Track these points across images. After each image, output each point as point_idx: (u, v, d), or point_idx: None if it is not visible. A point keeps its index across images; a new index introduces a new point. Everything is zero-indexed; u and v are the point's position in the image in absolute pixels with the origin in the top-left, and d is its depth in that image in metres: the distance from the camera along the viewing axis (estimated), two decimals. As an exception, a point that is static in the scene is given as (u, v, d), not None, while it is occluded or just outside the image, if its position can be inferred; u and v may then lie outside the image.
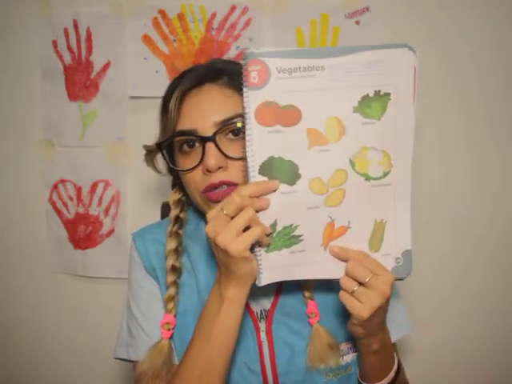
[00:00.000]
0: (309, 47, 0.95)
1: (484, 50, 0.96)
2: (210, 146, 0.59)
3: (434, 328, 1.02)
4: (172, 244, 0.66)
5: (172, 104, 0.62)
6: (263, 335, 0.64)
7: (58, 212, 1.07)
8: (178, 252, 0.67)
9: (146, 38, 0.98)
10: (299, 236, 0.54)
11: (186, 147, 0.62)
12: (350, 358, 0.65)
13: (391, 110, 0.53)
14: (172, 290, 0.64)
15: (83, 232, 1.05)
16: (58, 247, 1.07)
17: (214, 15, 0.96)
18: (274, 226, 0.53)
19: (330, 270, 0.56)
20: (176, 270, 0.65)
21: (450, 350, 1.03)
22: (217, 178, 0.59)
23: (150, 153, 0.69)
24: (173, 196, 0.71)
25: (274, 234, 0.54)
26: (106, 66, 1.00)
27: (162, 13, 0.97)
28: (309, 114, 0.52)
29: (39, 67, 1.03)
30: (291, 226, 0.54)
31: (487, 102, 0.97)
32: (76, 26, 0.99)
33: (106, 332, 1.05)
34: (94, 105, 1.02)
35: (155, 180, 0.92)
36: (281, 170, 0.52)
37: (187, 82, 0.63)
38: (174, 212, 0.70)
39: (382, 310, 0.53)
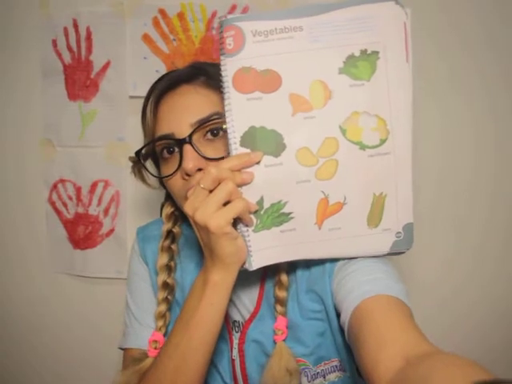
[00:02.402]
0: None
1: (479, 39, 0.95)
2: (187, 148, 0.55)
3: (438, 325, 1.01)
4: (163, 259, 0.64)
5: (148, 109, 0.60)
6: (235, 352, 0.61)
7: (58, 212, 1.06)
8: (170, 268, 0.64)
9: (146, 38, 0.98)
10: (289, 214, 0.50)
11: (165, 153, 0.59)
12: (334, 376, 0.59)
13: (381, 70, 0.48)
14: (162, 307, 0.62)
15: (83, 232, 1.05)
16: (57, 247, 1.07)
17: (214, 14, 0.96)
18: (260, 202, 0.50)
19: (324, 249, 0.52)
20: (167, 287, 0.63)
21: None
22: (197, 180, 0.54)
23: (137, 164, 0.65)
24: (165, 209, 0.69)
25: (262, 212, 0.50)
26: (106, 65, 1.00)
27: (162, 12, 0.97)
28: (290, 79, 0.48)
29: (39, 67, 1.03)
30: (279, 202, 0.50)
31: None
32: (76, 26, 0.99)
33: (105, 332, 1.05)
34: (93, 104, 1.01)
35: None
36: (264, 141, 0.49)
37: (162, 85, 0.60)
38: (166, 226, 0.67)
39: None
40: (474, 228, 1.00)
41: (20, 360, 1.13)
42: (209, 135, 0.57)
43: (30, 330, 1.12)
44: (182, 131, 0.56)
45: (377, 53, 0.48)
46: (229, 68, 0.48)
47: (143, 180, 0.68)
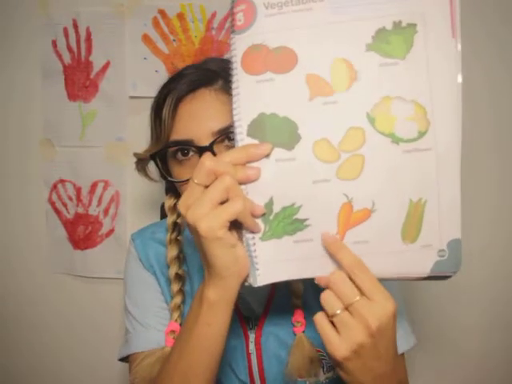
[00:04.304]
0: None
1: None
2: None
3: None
4: (173, 251, 0.63)
5: (165, 112, 0.58)
6: (252, 346, 0.61)
7: (58, 212, 1.06)
8: (179, 259, 0.64)
9: (146, 38, 0.98)
10: (304, 220, 0.42)
11: (180, 155, 0.58)
12: None
13: (420, 47, 0.39)
14: (178, 299, 0.62)
15: (83, 232, 1.05)
16: (57, 247, 1.07)
17: (213, 15, 0.96)
18: (269, 205, 0.42)
19: None
20: (180, 278, 0.63)
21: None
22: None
23: (141, 161, 0.65)
24: (167, 201, 0.67)
25: (271, 217, 0.42)
26: (106, 65, 1.00)
27: (162, 12, 0.97)
28: (307, 57, 0.41)
29: (39, 67, 1.02)
30: (293, 205, 0.42)
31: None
32: (75, 26, 0.99)
33: (105, 332, 1.06)
34: (93, 105, 1.01)
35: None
36: (275, 130, 0.41)
37: (181, 87, 0.59)
38: (170, 218, 0.66)
39: (368, 352, 0.39)
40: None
41: (20, 360, 1.13)
42: (227, 141, 0.56)
43: (30, 330, 1.12)
44: (202, 138, 0.55)
45: (414, 25, 0.40)
46: (238, 46, 0.42)
47: (146, 175, 0.67)
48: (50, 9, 0.99)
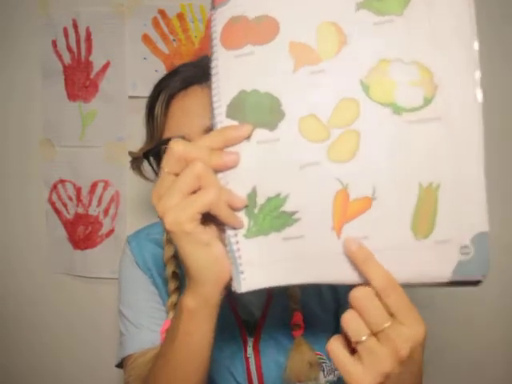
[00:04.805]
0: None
1: None
2: None
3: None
4: (170, 251, 0.63)
5: (158, 109, 0.58)
6: (250, 351, 0.60)
7: (58, 212, 1.06)
8: (177, 258, 0.63)
9: (146, 38, 0.98)
10: (293, 213, 0.35)
11: None
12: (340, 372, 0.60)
13: (419, 1, 0.33)
14: (174, 298, 0.61)
15: (83, 232, 1.05)
16: (57, 247, 1.07)
17: (213, 15, 0.96)
18: (252, 196, 0.36)
19: (346, 269, 0.34)
20: (177, 277, 0.62)
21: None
22: None
23: (136, 160, 0.65)
24: None
25: (256, 210, 0.36)
26: (106, 65, 1.00)
27: (162, 12, 0.97)
28: (290, 24, 0.36)
29: (39, 67, 1.02)
30: (278, 195, 0.35)
31: None
32: (75, 26, 0.99)
33: (105, 332, 1.05)
34: (93, 105, 1.01)
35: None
36: (256, 109, 0.36)
37: (173, 85, 0.59)
38: None
39: (393, 379, 0.33)
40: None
41: (20, 360, 1.13)
42: None
43: (30, 330, 1.12)
44: (194, 135, 0.55)
45: None
46: (218, 22, 0.38)
47: (141, 174, 0.67)
48: (50, 9, 0.99)
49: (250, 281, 0.37)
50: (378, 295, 0.33)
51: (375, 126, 0.33)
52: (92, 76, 1.01)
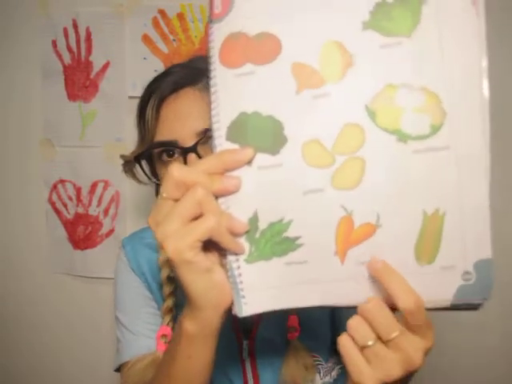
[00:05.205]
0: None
1: None
2: (191, 157, 0.54)
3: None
4: (164, 255, 0.63)
5: (149, 112, 0.57)
6: (245, 353, 0.59)
7: (58, 212, 1.06)
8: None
9: (146, 38, 0.98)
10: (296, 238, 0.35)
11: (165, 156, 0.57)
12: (336, 373, 0.60)
13: (429, 20, 0.32)
14: (169, 302, 0.60)
15: (83, 232, 1.05)
16: (57, 247, 1.07)
17: (213, 15, 0.96)
18: (254, 221, 0.36)
19: (350, 293, 0.35)
20: (172, 281, 0.61)
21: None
22: None
23: (129, 163, 0.64)
24: None
25: (257, 235, 0.36)
26: (106, 65, 1.00)
27: (162, 12, 0.97)
28: (293, 43, 0.34)
29: (39, 67, 1.02)
30: (281, 221, 0.35)
31: None
32: (75, 26, 0.99)
33: (105, 332, 1.05)
34: (93, 105, 1.01)
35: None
36: (257, 132, 0.35)
37: (164, 87, 0.58)
38: None
39: (399, 381, 0.34)
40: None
41: (20, 360, 1.13)
42: None
43: (30, 330, 1.12)
44: (186, 139, 0.55)
45: None
46: (216, 37, 0.36)
47: (134, 177, 0.66)
48: (50, 9, 0.99)
49: (251, 305, 0.37)
50: (404, 316, 0.33)
51: (380, 154, 0.33)
52: (92, 76, 1.01)
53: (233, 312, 0.37)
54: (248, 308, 0.37)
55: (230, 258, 0.36)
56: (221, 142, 0.36)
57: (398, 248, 0.34)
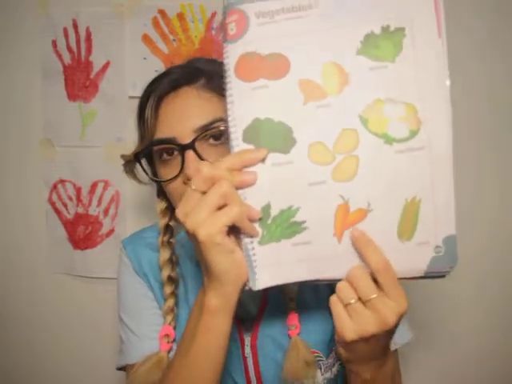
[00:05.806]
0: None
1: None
2: (189, 153, 0.55)
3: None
4: (165, 254, 0.63)
5: (148, 111, 0.58)
6: (248, 350, 0.60)
7: (58, 212, 1.06)
8: (172, 262, 0.64)
9: (146, 38, 0.98)
10: (302, 223, 0.43)
11: (165, 155, 0.58)
12: (336, 369, 0.62)
13: (408, 49, 0.41)
14: (171, 302, 0.61)
15: (83, 232, 1.05)
16: (57, 247, 1.07)
17: (213, 15, 0.96)
18: (266, 209, 0.43)
19: (346, 267, 0.43)
20: (173, 281, 0.63)
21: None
22: None
23: (129, 163, 0.65)
24: (159, 205, 0.67)
25: (269, 221, 0.43)
26: (106, 65, 1.00)
27: (162, 12, 0.97)
28: (299, 62, 0.43)
29: (39, 67, 1.02)
30: (290, 208, 0.43)
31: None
32: (75, 26, 0.99)
33: (105, 332, 1.05)
34: (93, 105, 1.01)
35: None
36: (270, 135, 0.43)
37: (163, 86, 0.59)
38: (162, 221, 0.66)
39: (376, 340, 0.42)
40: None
41: (20, 360, 1.13)
42: (211, 140, 0.56)
43: (30, 330, 1.12)
44: (184, 136, 0.56)
45: (402, 29, 0.41)
46: (231, 55, 0.43)
47: (135, 177, 0.67)
48: (50, 9, 0.99)
49: (262, 280, 0.44)
50: (372, 273, 0.41)
51: (371, 153, 0.42)
52: (92, 76, 1.01)
53: (246, 287, 0.45)
54: (260, 282, 0.44)
55: (246, 240, 0.44)
56: (238, 143, 0.43)
57: (384, 228, 0.43)
